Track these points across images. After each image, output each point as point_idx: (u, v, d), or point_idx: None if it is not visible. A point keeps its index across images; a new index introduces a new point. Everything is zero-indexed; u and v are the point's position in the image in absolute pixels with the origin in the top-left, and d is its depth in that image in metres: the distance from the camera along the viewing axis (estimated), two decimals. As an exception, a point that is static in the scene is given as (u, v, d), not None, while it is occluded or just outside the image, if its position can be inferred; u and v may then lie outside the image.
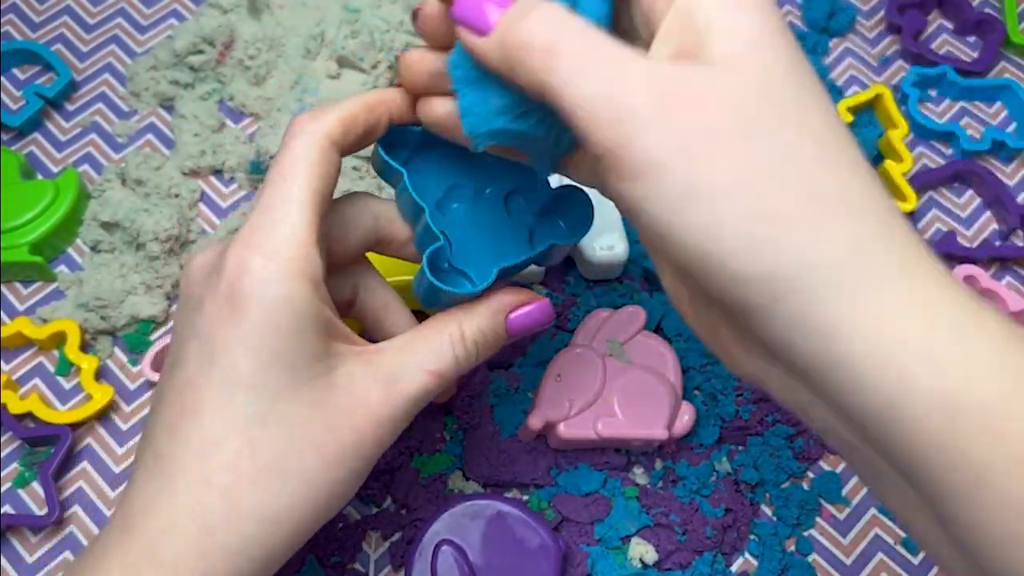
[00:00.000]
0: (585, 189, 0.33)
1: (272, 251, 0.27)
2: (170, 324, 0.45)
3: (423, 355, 0.30)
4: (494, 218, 0.33)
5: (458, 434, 0.42)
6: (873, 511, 0.41)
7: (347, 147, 0.30)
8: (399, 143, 0.32)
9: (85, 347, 0.44)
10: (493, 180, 0.33)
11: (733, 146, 0.22)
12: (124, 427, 0.43)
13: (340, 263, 0.32)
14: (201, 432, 0.27)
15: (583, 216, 0.33)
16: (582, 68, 0.23)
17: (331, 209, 0.31)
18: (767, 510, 0.41)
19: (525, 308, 0.32)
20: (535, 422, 0.39)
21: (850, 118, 0.49)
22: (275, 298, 0.26)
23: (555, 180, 0.42)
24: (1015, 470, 0.21)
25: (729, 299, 0.23)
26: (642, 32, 0.26)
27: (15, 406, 0.42)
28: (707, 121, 0.22)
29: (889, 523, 0.41)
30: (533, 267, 0.34)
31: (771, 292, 0.22)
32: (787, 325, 0.22)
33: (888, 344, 0.21)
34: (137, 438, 0.43)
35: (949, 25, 0.54)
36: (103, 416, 0.43)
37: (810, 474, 0.42)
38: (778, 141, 0.22)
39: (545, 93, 0.23)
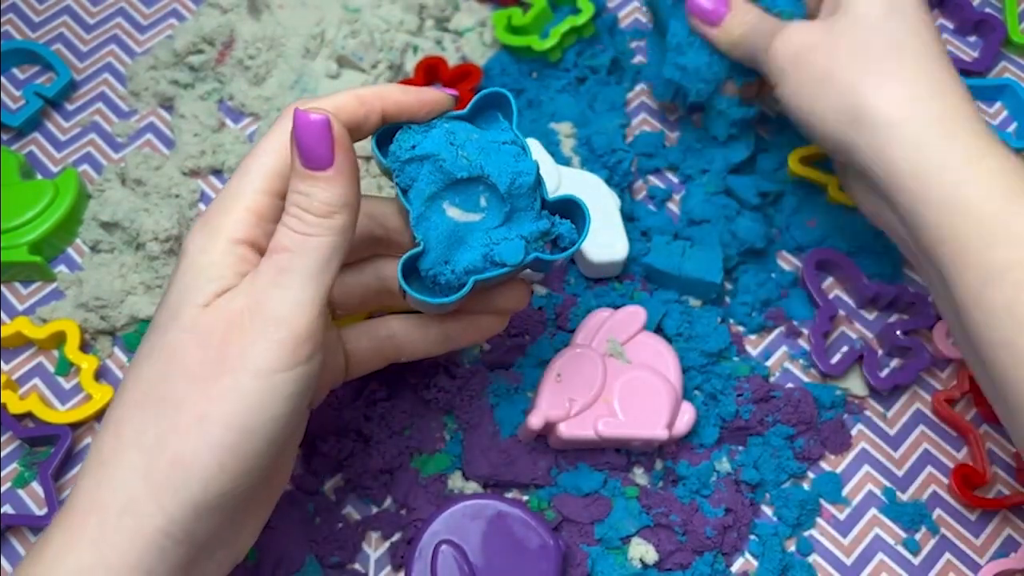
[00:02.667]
0: (582, 201, 0.32)
1: (209, 216, 0.29)
2: (170, 324, 0.45)
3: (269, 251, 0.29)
4: (484, 224, 0.32)
5: (458, 434, 0.42)
6: (873, 511, 0.41)
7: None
8: (402, 140, 0.32)
9: (85, 347, 0.44)
10: (490, 184, 0.32)
11: (833, 44, 0.37)
12: (124, 427, 0.43)
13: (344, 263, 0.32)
14: (119, 403, 0.29)
15: (576, 230, 0.33)
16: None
17: None
18: (767, 510, 0.41)
19: (293, 134, 0.29)
20: (535, 422, 0.39)
21: (850, 118, 0.49)
22: (187, 252, 0.29)
23: (552, 188, 0.42)
24: (1008, 274, 0.31)
25: (843, 144, 0.36)
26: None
27: (15, 406, 0.42)
28: (818, 37, 0.38)
29: (889, 523, 0.41)
30: (529, 270, 0.34)
31: (852, 141, 0.36)
32: (862, 157, 0.36)
33: (921, 167, 0.34)
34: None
35: (949, 25, 0.54)
36: (103, 416, 0.43)
37: (810, 474, 0.42)
38: (857, 43, 0.36)
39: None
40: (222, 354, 0.27)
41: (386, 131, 0.32)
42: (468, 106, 0.33)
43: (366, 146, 0.34)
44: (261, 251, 0.29)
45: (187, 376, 0.27)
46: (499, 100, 0.33)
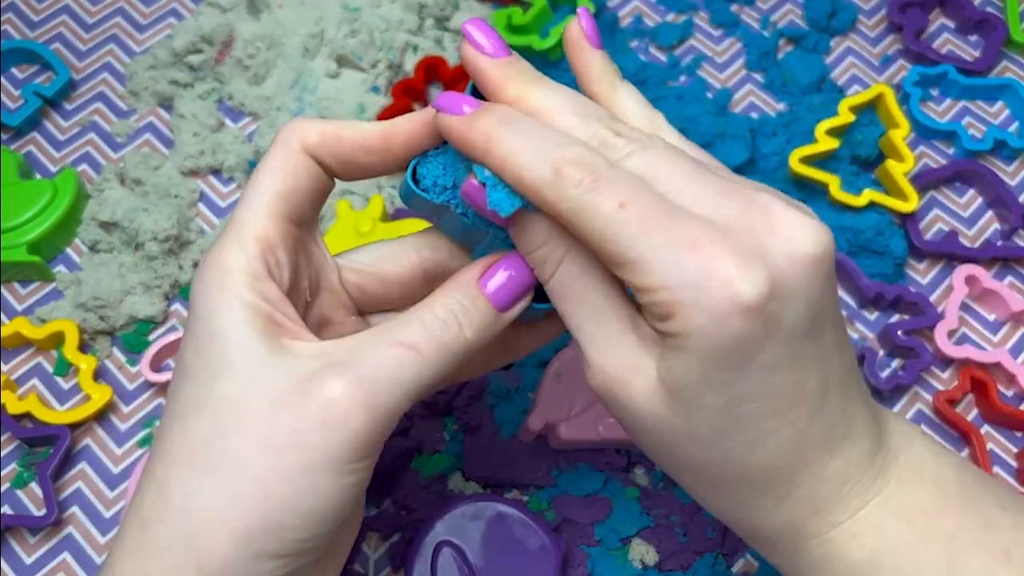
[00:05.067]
0: None
1: (219, 247, 0.27)
2: (169, 324, 0.45)
3: (387, 330, 0.27)
4: None
5: (458, 434, 0.42)
6: (875, 512, 0.41)
7: (325, 158, 0.29)
8: (431, 167, 0.29)
9: (84, 347, 0.44)
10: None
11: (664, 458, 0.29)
12: (123, 427, 0.43)
13: (387, 305, 0.31)
14: (160, 424, 0.27)
15: None
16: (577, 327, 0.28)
17: (365, 251, 0.31)
18: (768, 511, 0.41)
19: (494, 269, 0.28)
20: (535, 422, 0.39)
21: (852, 117, 0.49)
22: (208, 285, 0.27)
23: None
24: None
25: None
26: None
27: (13, 406, 0.42)
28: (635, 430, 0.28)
29: (891, 524, 0.41)
30: None
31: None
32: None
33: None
34: (136, 438, 0.43)
35: (951, 24, 0.54)
36: (102, 416, 0.43)
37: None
38: (694, 466, 0.28)
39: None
40: (297, 427, 0.25)
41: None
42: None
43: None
44: (276, 280, 0.27)
45: (251, 437, 0.25)
46: None
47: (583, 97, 0.27)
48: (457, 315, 0.27)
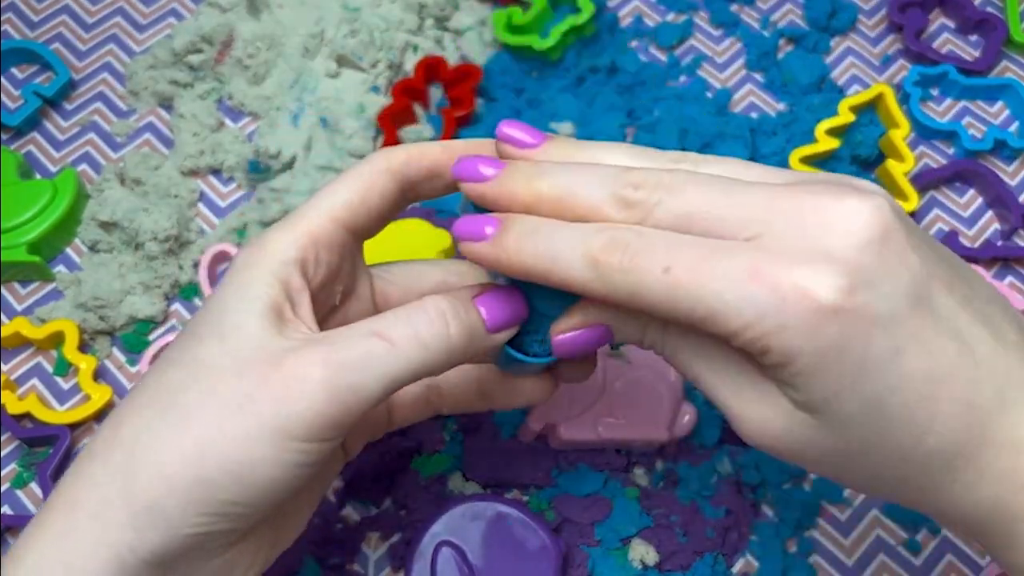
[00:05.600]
0: None
1: (264, 234, 0.28)
2: (169, 324, 0.45)
3: (372, 320, 0.27)
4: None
5: (458, 435, 0.42)
6: (875, 512, 0.41)
7: (412, 178, 0.29)
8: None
9: (83, 347, 0.44)
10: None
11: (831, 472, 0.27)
12: (123, 427, 0.43)
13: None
14: (128, 401, 0.27)
15: None
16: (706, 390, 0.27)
17: (405, 262, 0.32)
18: (768, 511, 0.41)
19: (495, 291, 0.28)
20: (535, 423, 0.39)
21: (852, 117, 0.49)
22: (234, 263, 0.28)
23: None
24: None
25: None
26: None
27: (13, 406, 0.41)
28: (801, 460, 0.27)
29: (891, 524, 0.41)
30: None
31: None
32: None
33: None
34: (136, 438, 0.43)
35: (951, 24, 0.54)
36: (102, 416, 0.43)
37: (811, 475, 0.42)
38: (860, 475, 0.26)
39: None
40: (254, 395, 0.25)
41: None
42: None
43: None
44: (308, 275, 0.28)
45: (209, 395, 0.25)
46: None
47: (588, 165, 0.26)
48: (445, 314, 0.27)
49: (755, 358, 0.24)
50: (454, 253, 0.45)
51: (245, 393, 0.25)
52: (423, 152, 0.29)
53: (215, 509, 0.25)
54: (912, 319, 0.23)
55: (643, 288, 0.24)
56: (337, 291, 0.30)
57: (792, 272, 0.23)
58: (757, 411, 0.26)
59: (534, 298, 0.29)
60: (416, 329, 0.26)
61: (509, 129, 0.28)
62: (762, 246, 0.23)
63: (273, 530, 0.29)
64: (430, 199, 0.31)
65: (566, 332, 0.27)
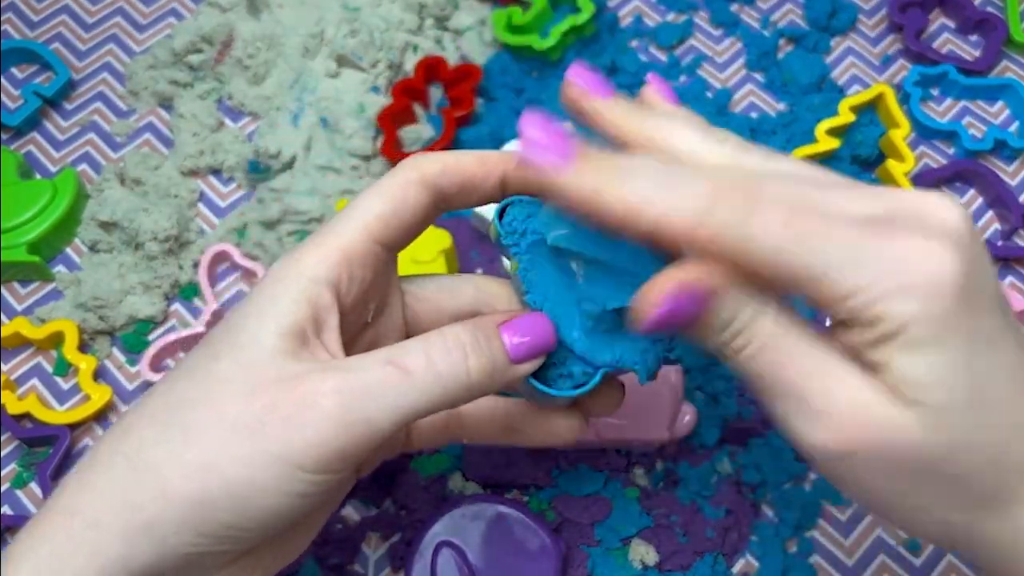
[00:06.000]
0: None
1: (297, 248, 0.27)
2: (169, 324, 0.45)
3: (391, 348, 0.26)
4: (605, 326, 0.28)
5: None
6: (875, 512, 0.41)
7: (445, 190, 0.28)
8: (515, 213, 0.29)
9: (83, 347, 0.44)
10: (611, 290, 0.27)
11: (908, 495, 0.24)
12: (122, 428, 0.43)
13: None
14: (137, 410, 0.27)
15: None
16: (790, 385, 0.24)
17: (436, 276, 0.31)
18: (768, 511, 0.41)
19: (521, 318, 0.27)
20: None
21: (852, 117, 0.48)
22: (266, 278, 0.27)
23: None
24: None
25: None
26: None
27: (13, 406, 0.41)
28: (891, 466, 0.24)
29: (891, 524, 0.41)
30: None
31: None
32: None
33: None
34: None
35: (951, 24, 0.54)
36: (101, 416, 0.43)
37: (812, 475, 0.42)
38: (954, 476, 0.24)
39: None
40: (263, 418, 0.24)
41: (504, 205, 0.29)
42: None
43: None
44: (340, 293, 0.27)
45: (216, 416, 0.25)
46: None
47: (676, 170, 0.24)
48: (465, 346, 0.26)
49: (854, 334, 0.23)
50: (454, 253, 0.44)
51: (254, 416, 0.24)
52: (459, 164, 0.28)
53: (214, 531, 0.25)
54: (1006, 311, 0.24)
55: (756, 239, 0.22)
56: (370, 308, 0.29)
57: (914, 239, 0.22)
58: (860, 410, 0.23)
59: (563, 327, 0.28)
60: (433, 360, 0.25)
61: (573, 74, 0.26)
62: (877, 218, 0.23)
63: (274, 548, 0.29)
64: (461, 211, 0.30)
65: (660, 295, 0.23)
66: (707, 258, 0.23)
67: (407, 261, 0.43)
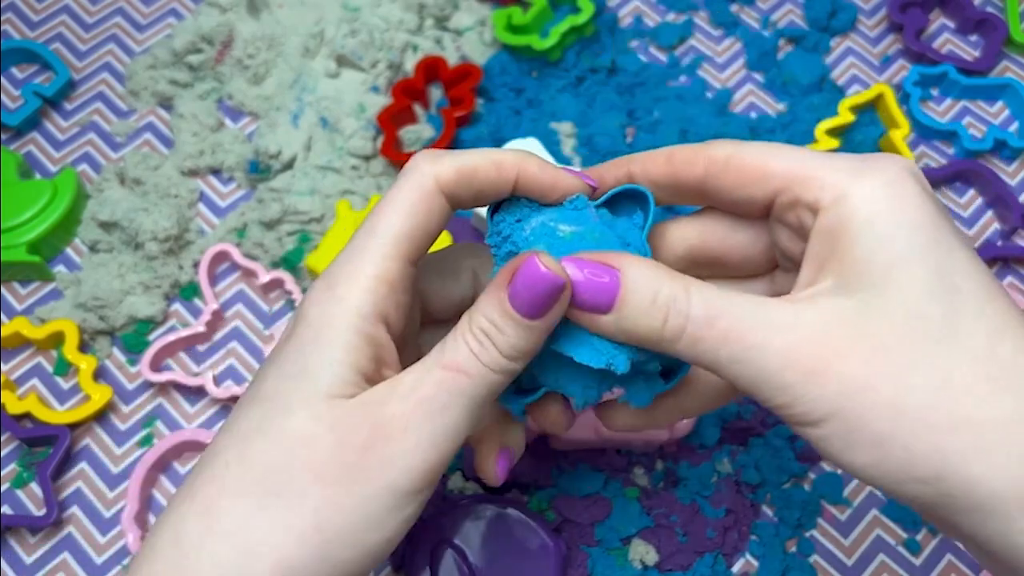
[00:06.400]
0: None
1: (333, 281, 0.27)
2: (169, 324, 0.45)
3: (433, 355, 0.26)
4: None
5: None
6: (875, 512, 0.41)
7: (461, 197, 0.28)
8: (507, 213, 0.29)
9: (83, 347, 0.44)
10: None
11: (884, 391, 0.23)
12: (122, 427, 0.43)
13: (443, 317, 0.31)
14: (215, 440, 0.26)
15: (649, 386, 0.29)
16: (749, 340, 0.24)
17: (432, 260, 0.31)
18: (768, 511, 0.41)
19: (515, 283, 0.26)
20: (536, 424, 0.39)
21: (852, 117, 0.48)
22: (309, 318, 0.26)
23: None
24: None
25: (930, 513, 0.24)
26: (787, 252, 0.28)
27: (13, 406, 0.41)
28: (860, 369, 0.23)
29: (891, 524, 0.41)
30: None
31: (945, 516, 0.23)
32: (969, 537, 0.23)
33: None
34: (136, 438, 0.43)
35: (951, 24, 0.54)
36: (101, 416, 0.43)
37: (811, 475, 0.42)
38: (930, 374, 0.23)
39: (706, 367, 0.25)
40: (362, 461, 0.25)
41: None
42: (603, 197, 0.29)
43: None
44: (389, 323, 0.27)
45: (315, 474, 0.24)
46: (638, 195, 0.29)
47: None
48: (490, 336, 0.26)
49: (811, 226, 0.25)
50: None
51: (347, 461, 0.25)
52: (476, 172, 0.27)
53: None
54: (967, 243, 0.25)
55: (743, 150, 0.26)
56: (417, 320, 0.30)
57: (867, 155, 0.25)
58: (784, 333, 0.24)
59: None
60: (477, 353, 0.26)
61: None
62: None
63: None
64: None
65: (568, 261, 0.25)
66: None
67: (350, 232, 0.44)
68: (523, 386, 0.30)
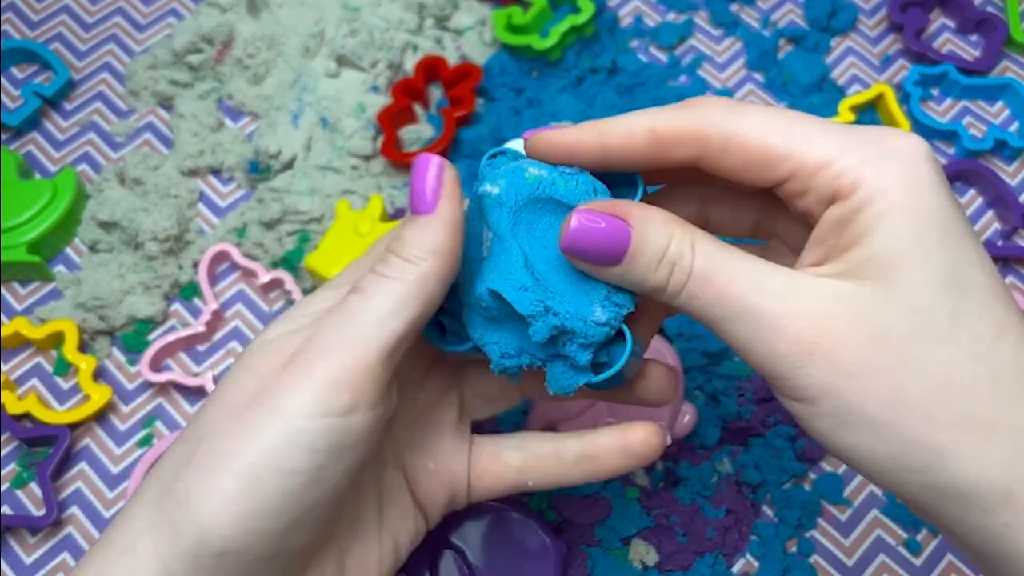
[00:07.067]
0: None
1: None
2: (168, 324, 0.45)
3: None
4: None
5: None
6: (875, 512, 0.41)
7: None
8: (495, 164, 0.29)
9: (83, 347, 0.44)
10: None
11: (884, 379, 0.22)
12: (122, 428, 0.43)
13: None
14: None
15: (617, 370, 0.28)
16: (742, 303, 0.24)
17: None
18: (768, 511, 0.41)
19: (412, 186, 0.26)
20: (536, 423, 0.39)
21: (852, 117, 0.48)
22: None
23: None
24: None
25: (918, 505, 0.24)
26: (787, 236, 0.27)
27: (13, 406, 0.41)
28: (859, 354, 0.23)
29: (891, 524, 0.41)
30: None
31: (926, 503, 0.23)
32: (945, 524, 0.24)
33: None
34: (135, 438, 0.43)
35: (951, 24, 0.54)
36: (101, 416, 0.43)
37: (812, 475, 0.42)
38: (931, 369, 0.22)
39: (705, 323, 0.25)
40: (257, 389, 0.25)
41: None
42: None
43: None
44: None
45: (225, 411, 0.25)
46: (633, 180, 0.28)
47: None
48: (392, 247, 0.26)
49: (831, 213, 0.23)
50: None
51: (251, 390, 0.25)
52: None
53: (238, 525, 0.24)
54: (974, 233, 0.24)
55: (738, 120, 0.24)
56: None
57: (884, 127, 0.24)
58: (791, 305, 0.23)
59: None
60: (378, 270, 0.26)
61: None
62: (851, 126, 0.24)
63: (308, 562, 0.28)
64: None
65: (576, 214, 0.24)
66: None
67: (350, 232, 0.44)
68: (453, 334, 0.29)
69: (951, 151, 0.50)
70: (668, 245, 0.24)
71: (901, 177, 0.23)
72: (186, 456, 0.25)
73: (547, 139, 0.26)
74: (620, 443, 0.30)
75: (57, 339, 0.44)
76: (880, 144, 0.23)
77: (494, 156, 0.29)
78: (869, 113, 0.50)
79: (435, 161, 0.26)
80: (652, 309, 0.30)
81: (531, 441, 0.32)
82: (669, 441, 0.39)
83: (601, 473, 0.31)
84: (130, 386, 0.44)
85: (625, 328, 0.27)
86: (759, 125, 0.24)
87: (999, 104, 0.52)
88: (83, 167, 0.49)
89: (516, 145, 0.45)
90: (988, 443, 0.22)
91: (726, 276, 0.24)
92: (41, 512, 0.40)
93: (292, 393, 0.24)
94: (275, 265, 0.46)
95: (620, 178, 0.28)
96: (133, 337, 0.44)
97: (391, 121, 0.48)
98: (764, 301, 0.23)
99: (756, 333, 0.23)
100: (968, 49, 0.53)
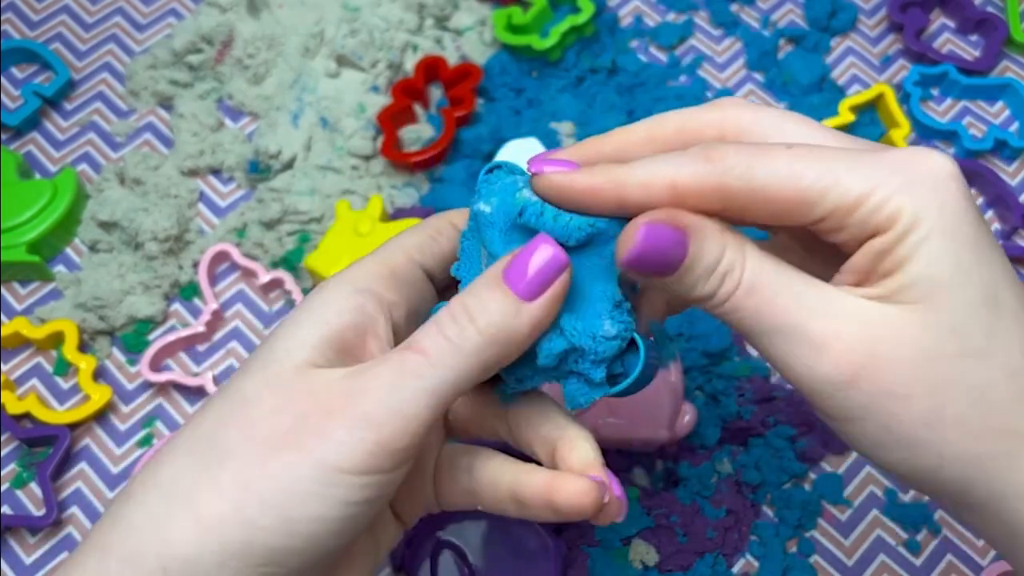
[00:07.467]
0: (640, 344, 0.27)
1: (343, 273, 0.28)
2: (168, 324, 0.45)
3: (406, 341, 0.25)
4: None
5: (458, 435, 0.41)
6: (875, 512, 0.41)
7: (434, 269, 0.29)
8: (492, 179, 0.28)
9: (83, 347, 0.44)
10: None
11: (924, 399, 0.23)
12: (122, 427, 0.43)
13: None
14: (172, 440, 0.26)
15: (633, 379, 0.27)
16: (787, 318, 0.24)
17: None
18: (768, 511, 0.41)
19: (514, 260, 0.25)
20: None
21: (852, 117, 0.48)
22: (303, 303, 0.27)
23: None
24: None
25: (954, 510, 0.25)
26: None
27: (13, 406, 0.41)
28: (901, 376, 0.23)
29: (891, 524, 0.41)
30: None
31: (959, 502, 0.24)
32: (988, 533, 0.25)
33: None
34: (135, 438, 0.43)
35: (951, 24, 0.54)
36: (101, 416, 0.43)
37: (812, 475, 0.42)
38: (969, 387, 0.23)
39: (745, 335, 0.25)
40: (295, 429, 0.24)
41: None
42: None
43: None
44: (383, 304, 0.27)
45: (248, 435, 0.24)
46: None
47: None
48: (469, 308, 0.24)
49: (871, 246, 0.23)
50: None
51: (285, 429, 0.24)
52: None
53: (255, 555, 0.23)
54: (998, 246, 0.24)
55: (764, 168, 0.23)
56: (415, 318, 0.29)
57: (909, 149, 0.23)
58: (837, 326, 0.23)
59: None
60: (445, 333, 0.24)
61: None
62: (877, 147, 0.24)
63: None
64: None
65: (635, 231, 0.24)
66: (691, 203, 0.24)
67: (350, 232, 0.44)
68: None
69: (951, 151, 0.50)
70: (722, 256, 0.24)
71: (935, 201, 0.23)
72: (200, 471, 0.24)
73: (558, 184, 0.25)
74: (546, 496, 0.28)
75: (57, 339, 0.44)
76: (910, 168, 0.23)
77: (491, 171, 0.28)
78: (869, 113, 0.50)
79: (561, 260, 0.24)
80: (653, 299, 0.29)
81: (480, 462, 0.31)
82: (667, 437, 0.39)
83: (534, 519, 0.30)
84: (130, 386, 0.44)
85: (637, 336, 0.26)
86: (786, 171, 0.23)
87: (999, 104, 0.52)
88: (83, 167, 0.49)
89: (516, 147, 0.45)
90: (1021, 454, 0.23)
91: (772, 290, 0.24)
92: (41, 512, 0.40)
93: (336, 448, 0.24)
94: (275, 265, 0.46)
95: None
96: (133, 337, 0.44)
97: (391, 121, 0.48)
98: (810, 319, 0.23)
99: (799, 350, 0.23)
100: (968, 49, 0.53)
